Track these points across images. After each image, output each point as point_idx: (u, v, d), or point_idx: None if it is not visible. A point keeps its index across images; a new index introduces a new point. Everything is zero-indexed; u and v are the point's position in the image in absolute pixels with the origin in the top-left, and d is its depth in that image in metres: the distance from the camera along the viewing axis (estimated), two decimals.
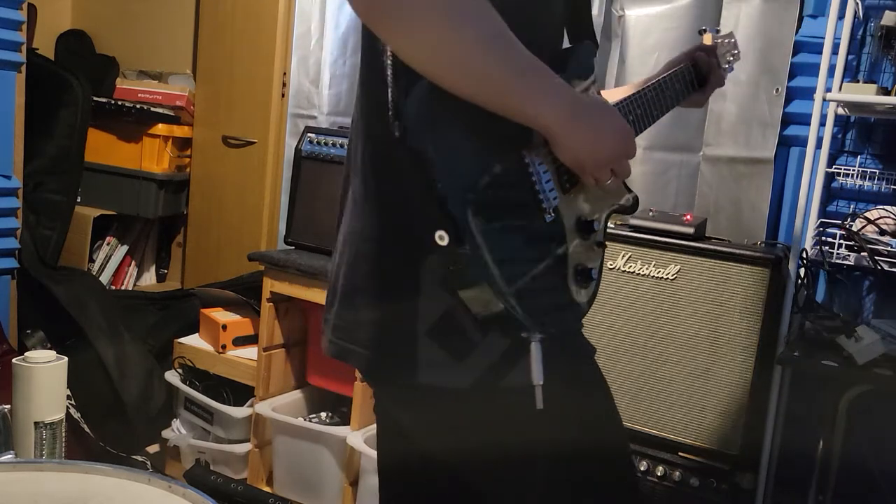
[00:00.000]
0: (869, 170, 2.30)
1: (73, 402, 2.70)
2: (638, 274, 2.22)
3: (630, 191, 1.18)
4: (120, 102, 3.37)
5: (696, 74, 1.43)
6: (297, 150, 2.71)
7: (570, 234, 1.06)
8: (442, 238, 0.92)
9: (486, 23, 0.92)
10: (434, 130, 0.95)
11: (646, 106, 1.25)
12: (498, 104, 0.95)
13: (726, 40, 1.56)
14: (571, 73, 1.11)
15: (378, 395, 1.24)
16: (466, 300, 0.96)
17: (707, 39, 1.53)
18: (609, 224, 1.17)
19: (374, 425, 2.63)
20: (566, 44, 1.18)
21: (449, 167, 0.94)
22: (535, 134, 1.01)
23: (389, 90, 0.98)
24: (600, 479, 1.17)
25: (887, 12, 2.22)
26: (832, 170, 2.32)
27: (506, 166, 0.99)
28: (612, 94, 1.28)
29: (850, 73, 2.29)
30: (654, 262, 2.21)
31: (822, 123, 2.25)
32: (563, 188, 1.05)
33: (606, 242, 1.14)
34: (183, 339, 2.90)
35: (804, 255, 2.25)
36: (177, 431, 2.88)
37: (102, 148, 3.40)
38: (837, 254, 2.21)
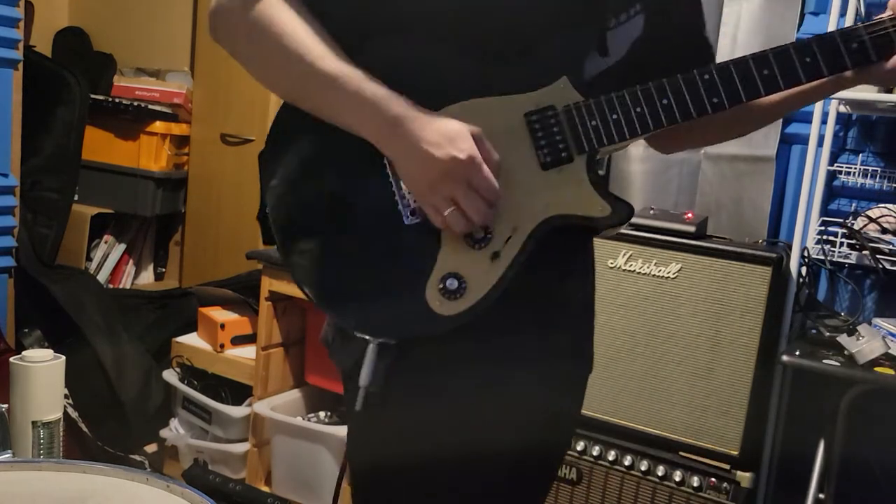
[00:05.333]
0: (870, 168, 2.30)
1: (70, 401, 2.69)
2: (639, 273, 2.22)
3: (608, 198, 0.98)
4: (117, 100, 3.36)
5: (872, 42, 0.94)
6: None
7: (450, 239, 0.97)
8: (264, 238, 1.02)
9: (276, 41, 0.97)
10: (282, 133, 1.02)
11: (684, 92, 0.97)
12: (325, 117, 0.99)
13: None
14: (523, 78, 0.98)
15: None
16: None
17: None
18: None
19: None
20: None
21: (279, 168, 1.00)
22: None
23: None
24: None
25: None
26: (834, 168, 2.32)
27: (360, 165, 0.99)
28: None
29: None
30: (654, 261, 2.20)
31: (824, 121, 2.25)
32: None
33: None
34: (181, 338, 2.89)
35: (805, 254, 2.25)
36: (175, 431, 2.87)
37: (100, 146, 3.38)
38: (839, 252, 2.21)
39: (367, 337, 0.97)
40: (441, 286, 0.96)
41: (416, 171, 0.96)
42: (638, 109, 0.97)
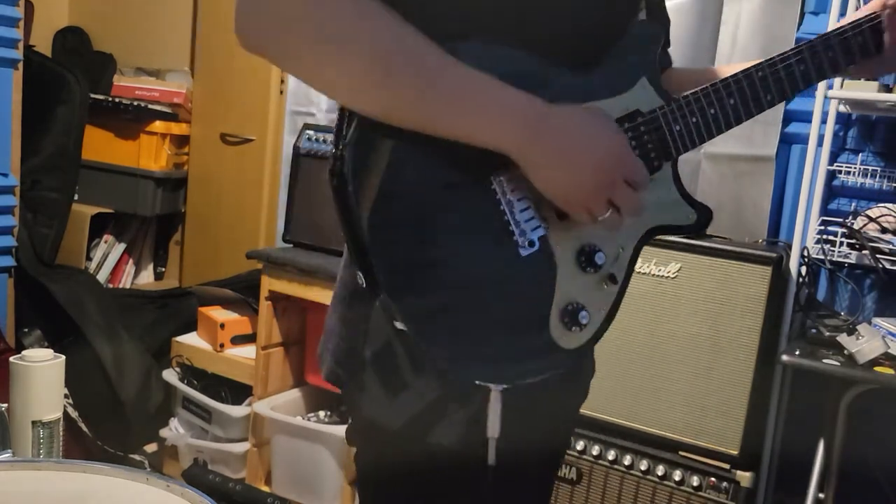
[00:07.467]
0: (870, 167, 2.30)
1: (70, 401, 2.69)
2: (638, 272, 2.21)
3: (693, 203, 0.98)
4: (117, 100, 3.36)
5: (871, 35, 1.03)
6: (296, 148, 2.69)
7: (565, 266, 0.90)
8: (360, 280, 0.85)
9: (377, 43, 0.81)
10: (366, 160, 0.84)
11: (746, 91, 0.97)
12: (432, 131, 0.83)
13: None
14: (608, 71, 0.94)
15: None
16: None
17: None
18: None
19: None
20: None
21: (375, 202, 0.83)
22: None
23: (339, 112, 0.91)
24: None
25: None
26: (833, 167, 2.32)
27: (467, 194, 0.86)
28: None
29: None
30: (654, 261, 2.20)
31: (824, 121, 2.24)
32: (560, 212, 0.89)
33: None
34: (181, 338, 2.89)
35: (805, 254, 2.25)
36: (175, 430, 2.87)
37: (100, 145, 3.38)
38: (839, 252, 2.20)
39: (492, 385, 0.87)
40: (565, 319, 0.89)
41: (566, 178, 0.86)
42: (712, 111, 0.96)
